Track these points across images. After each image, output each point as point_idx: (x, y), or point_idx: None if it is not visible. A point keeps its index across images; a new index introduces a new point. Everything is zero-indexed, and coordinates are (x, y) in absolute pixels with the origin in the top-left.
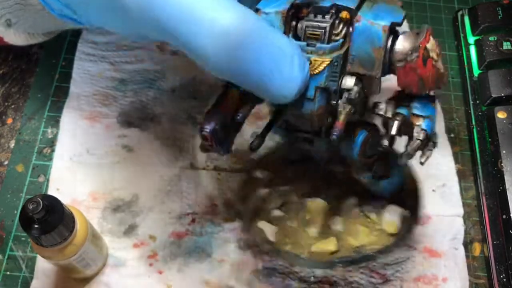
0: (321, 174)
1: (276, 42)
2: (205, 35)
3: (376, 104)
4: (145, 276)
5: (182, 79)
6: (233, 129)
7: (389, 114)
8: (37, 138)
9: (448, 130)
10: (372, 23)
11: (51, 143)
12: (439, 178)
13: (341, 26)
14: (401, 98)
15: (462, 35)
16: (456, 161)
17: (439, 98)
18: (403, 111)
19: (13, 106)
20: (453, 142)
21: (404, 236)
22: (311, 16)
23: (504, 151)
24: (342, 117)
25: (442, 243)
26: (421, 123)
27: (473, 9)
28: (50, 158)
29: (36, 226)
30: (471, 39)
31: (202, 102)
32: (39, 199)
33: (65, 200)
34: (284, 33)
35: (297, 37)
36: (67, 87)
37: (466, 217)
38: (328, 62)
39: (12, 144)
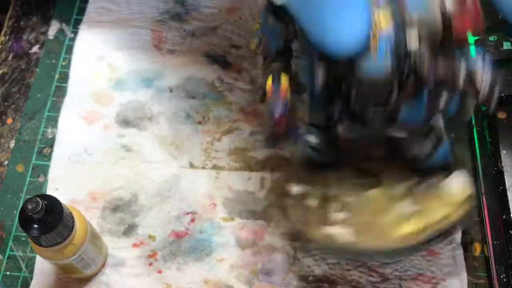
0: (359, 170)
1: None
2: None
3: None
4: (145, 275)
5: (179, 78)
6: (294, 114)
7: (443, 70)
8: (37, 138)
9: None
10: None
11: (51, 143)
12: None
13: None
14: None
15: None
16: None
17: None
18: (460, 62)
19: (13, 106)
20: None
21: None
22: None
23: (504, 151)
24: (426, 69)
25: (440, 242)
26: (480, 72)
27: None
28: (50, 158)
29: (35, 226)
30: (471, 39)
31: (200, 101)
32: (38, 199)
33: (64, 200)
34: None
35: None
36: (67, 87)
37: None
38: (390, 13)
39: (12, 144)
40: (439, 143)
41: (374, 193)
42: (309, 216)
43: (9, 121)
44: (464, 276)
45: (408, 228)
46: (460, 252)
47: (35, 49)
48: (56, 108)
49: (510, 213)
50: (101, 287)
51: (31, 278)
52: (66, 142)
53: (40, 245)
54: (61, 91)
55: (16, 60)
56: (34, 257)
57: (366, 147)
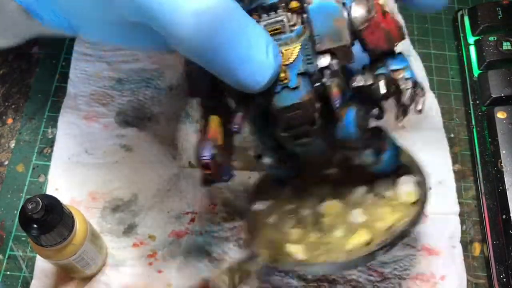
0: (320, 179)
1: (253, 27)
2: (181, 13)
3: (353, 79)
4: (145, 275)
5: (179, 78)
6: (228, 153)
7: (370, 81)
8: (37, 138)
9: (448, 130)
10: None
11: (51, 143)
12: (435, 175)
13: (295, 16)
14: (374, 64)
15: (462, 35)
16: (456, 161)
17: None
18: (382, 70)
19: (13, 106)
20: (453, 142)
21: (426, 200)
22: (264, 16)
23: (504, 151)
24: (334, 89)
25: (440, 241)
26: (402, 74)
27: (473, 9)
28: (50, 158)
29: (35, 226)
30: (471, 39)
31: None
32: (38, 199)
33: (64, 200)
34: None
35: None
36: (67, 87)
37: (466, 217)
38: (299, 46)
39: (13, 144)
40: (380, 152)
41: (328, 205)
42: (271, 234)
43: (10, 121)
44: (463, 276)
45: (356, 240)
46: (459, 251)
47: (35, 49)
48: (57, 108)
49: (510, 213)
50: (101, 286)
51: (31, 278)
52: (66, 142)
53: (40, 245)
54: (61, 91)
55: (16, 60)
56: (34, 257)
57: (319, 158)
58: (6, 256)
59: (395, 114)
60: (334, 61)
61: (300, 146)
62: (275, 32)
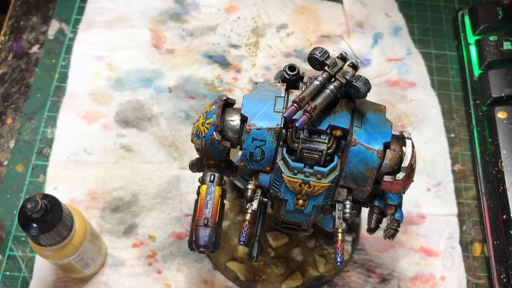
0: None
1: None
2: None
3: (343, 224)
4: (144, 275)
5: (178, 78)
6: (219, 225)
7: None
8: (37, 138)
9: (448, 130)
10: (367, 147)
11: (51, 143)
12: (435, 176)
13: (334, 141)
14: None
15: (462, 35)
16: (456, 161)
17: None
18: (378, 203)
19: (12, 106)
20: (453, 142)
21: (352, 256)
22: (306, 134)
23: (504, 151)
24: (340, 237)
25: (439, 242)
26: (393, 211)
27: (474, 9)
28: (50, 158)
29: (34, 225)
30: (472, 39)
31: (199, 101)
32: (38, 198)
33: (63, 199)
34: (276, 148)
35: (291, 151)
36: (66, 87)
37: (466, 217)
38: (327, 186)
39: (12, 144)
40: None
41: (279, 239)
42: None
43: (9, 121)
44: (463, 276)
45: (291, 283)
46: (458, 252)
47: (34, 49)
48: (56, 108)
49: (510, 213)
50: (101, 286)
51: (31, 278)
52: (66, 142)
53: (40, 244)
54: (60, 91)
55: (16, 60)
56: (34, 257)
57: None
58: (6, 256)
59: (368, 227)
60: (349, 205)
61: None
62: (311, 159)
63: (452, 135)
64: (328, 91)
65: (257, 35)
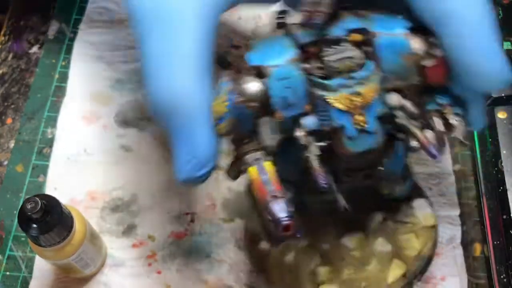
0: (323, 209)
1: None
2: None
3: (415, 122)
4: (144, 276)
5: None
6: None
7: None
8: (37, 138)
9: None
10: (391, 34)
11: (51, 143)
12: (436, 176)
13: (358, 51)
14: (419, 95)
15: None
16: (457, 161)
17: None
18: (432, 106)
19: (12, 106)
20: (453, 142)
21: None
22: (328, 50)
23: (504, 151)
24: (419, 132)
25: (440, 242)
26: (451, 110)
27: None
28: (49, 158)
29: (34, 225)
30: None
31: None
32: (37, 198)
33: (63, 199)
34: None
35: (327, 77)
36: (66, 87)
37: (466, 218)
38: (377, 88)
39: (12, 144)
40: (407, 179)
41: (353, 237)
42: (292, 276)
43: (9, 121)
44: (464, 276)
45: (396, 273)
46: (460, 252)
47: (34, 49)
48: (56, 108)
49: (510, 214)
50: (100, 287)
51: (31, 278)
52: (65, 142)
53: (39, 245)
54: (61, 91)
55: (15, 60)
56: (34, 257)
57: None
58: (6, 257)
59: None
60: (408, 102)
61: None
62: (346, 69)
63: (452, 135)
64: None
65: (258, 36)
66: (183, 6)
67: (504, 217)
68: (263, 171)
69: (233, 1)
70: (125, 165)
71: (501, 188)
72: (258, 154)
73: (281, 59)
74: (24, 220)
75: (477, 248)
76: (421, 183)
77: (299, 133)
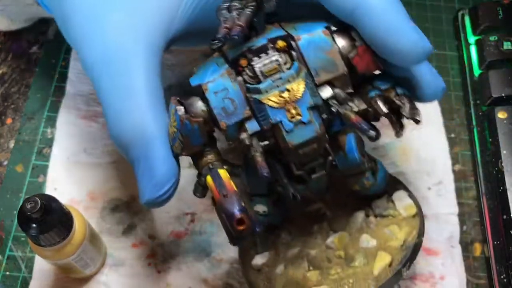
0: (309, 215)
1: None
2: None
3: (347, 106)
4: (144, 275)
5: (177, 77)
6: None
7: (363, 106)
8: (37, 138)
9: (448, 130)
10: (310, 34)
11: (51, 143)
12: (435, 175)
13: (284, 56)
14: (359, 89)
15: (462, 35)
16: (457, 161)
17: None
18: (374, 92)
19: (12, 106)
20: (453, 142)
21: (421, 208)
22: (256, 59)
23: (504, 152)
24: (352, 115)
25: (439, 241)
26: (394, 92)
27: (474, 9)
28: (49, 158)
29: (34, 225)
30: (472, 39)
31: None
32: (37, 198)
33: (63, 199)
34: (241, 88)
35: (258, 82)
36: (66, 87)
37: (466, 218)
38: (303, 81)
39: (12, 144)
40: (377, 172)
41: (337, 238)
42: (287, 286)
43: (9, 121)
44: (463, 276)
45: (381, 263)
46: (458, 251)
47: (34, 49)
48: (56, 108)
49: (510, 214)
50: (100, 287)
51: (31, 278)
52: (65, 142)
53: (39, 244)
54: (60, 91)
55: (15, 60)
56: (34, 258)
57: (313, 194)
58: (6, 257)
59: (395, 130)
60: (339, 90)
61: (313, 183)
62: (273, 72)
63: (452, 135)
64: (247, 11)
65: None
66: (129, 47)
67: (504, 217)
68: (217, 177)
69: (172, 39)
70: (125, 165)
71: (501, 188)
72: (213, 163)
73: (215, 75)
74: (24, 220)
75: (477, 248)
76: (420, 183)
77: (242, 136)
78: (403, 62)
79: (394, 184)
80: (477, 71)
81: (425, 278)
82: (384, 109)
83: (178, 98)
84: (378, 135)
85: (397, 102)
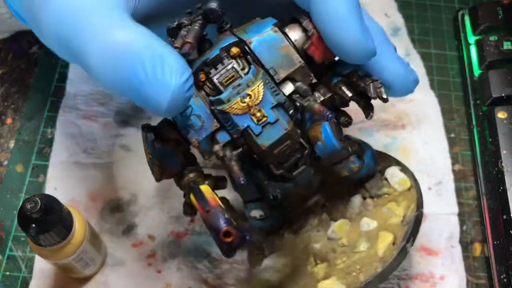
0: (308, 211)
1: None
2: (93, 46)
3: (310, 98)
4: (144, 275)
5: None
6: (234, 212)
7: (329, 93)
8: (37, 138)
9: (448, 130)
10: (260, 35)
11: (51, 143)
12: (435, 175)
13: (240, 61)
14: (322, 78)
15: (462, 35)
16: (457, 161)
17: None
18: (336, 79)
19: (12, 106)
20: (453, 142)
21: (416, 180)
22: (213, 71)
23: (504, 151)
24: (316, 105)
25: (439, 241)
26: (356, 75)
27: (474, 9)
28: (49, 158)
29: (34, 225)
30: (472, 39)
31: None
32: (37, 198)
33: (63, 200)
34: (204, 102)
35: (219, 93)
36: (66, 87)
37: (466, 217)
38: (261, 83)
39: (12, 144)
40: (363, 153)
41: (337, 226)
42: (298, 285)
43: (9, 121)
44: (463, 275)
45: (384, 243)
46: (458, 251)
47: (34, 49)
48: (56, 108)
49: (510, 214)
50: (100, 287)
51: (31, 278)
52: (65, 142)
53: (39, 244)
54: (60, 91)
55: (15, 60)
56: (34, 258)
57: (303, 189)
58: (6, 257)
59: (364, 113)
60: (299, 83)
61: (299, 178)
62: (232, 80)
63: (452, 135)
64: (195, 26)
65: None
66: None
67: (504, 217)
68: (199, 193)
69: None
70: (125, 165)
71: (501, 188)
72: (194, 181)
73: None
74: (24, 220)
75: (477, 248)
76: (420, 183)
77: (215, 148)
78: (348, 59)
79: (385, 160)
80: (477, 71)
81: (425, 278)
82: (349, 93)
83: (148, 125)
84: (349, 120)
85: (360, 84)
